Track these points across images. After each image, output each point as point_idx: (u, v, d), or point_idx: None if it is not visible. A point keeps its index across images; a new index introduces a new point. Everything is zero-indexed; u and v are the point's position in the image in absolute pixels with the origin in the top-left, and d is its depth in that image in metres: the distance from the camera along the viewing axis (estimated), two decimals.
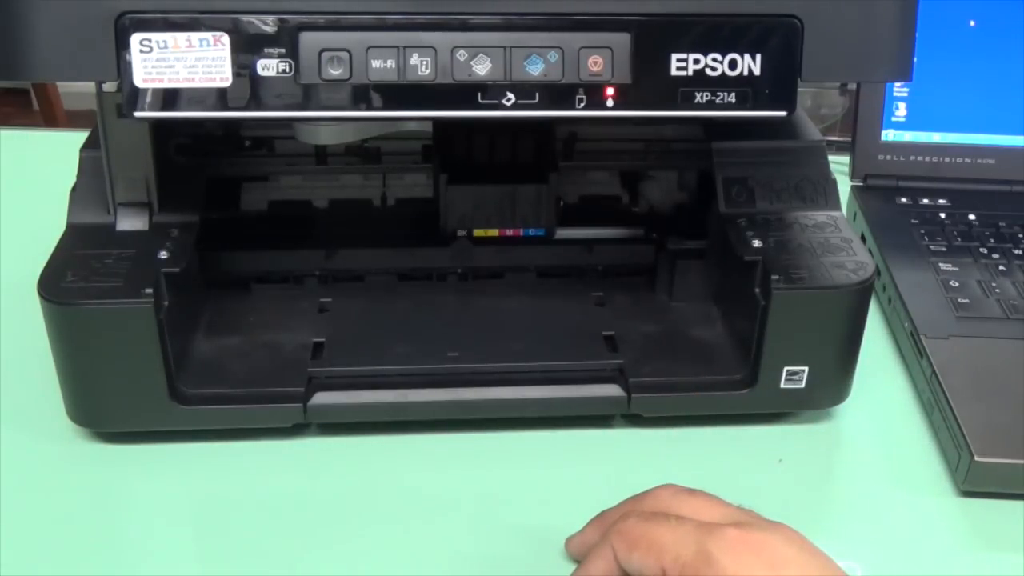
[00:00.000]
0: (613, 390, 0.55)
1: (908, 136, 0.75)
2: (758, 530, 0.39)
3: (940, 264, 0.66)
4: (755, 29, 0.47)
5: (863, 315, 0.55)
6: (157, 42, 0.44)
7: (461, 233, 0.62)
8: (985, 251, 0.67)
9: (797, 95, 0.48)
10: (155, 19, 0.44)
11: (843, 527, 0.51)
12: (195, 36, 0.45)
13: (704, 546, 0.38)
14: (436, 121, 0.57)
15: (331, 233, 0.63)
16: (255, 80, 0.45)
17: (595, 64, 0.47)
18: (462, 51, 0.45)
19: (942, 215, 0.71)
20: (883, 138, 0.75)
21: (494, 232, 0.62)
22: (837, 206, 0.58)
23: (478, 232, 0.62)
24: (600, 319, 0.60)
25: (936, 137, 0.75)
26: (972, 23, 0.73)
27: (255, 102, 0.46)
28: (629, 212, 0.65)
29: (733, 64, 0.47)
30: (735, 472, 0.54)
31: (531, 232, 0.62)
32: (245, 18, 0.45)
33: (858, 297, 0.54)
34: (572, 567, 0.45)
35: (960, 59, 0.73)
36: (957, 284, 0.64)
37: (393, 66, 0.45)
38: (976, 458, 0.51)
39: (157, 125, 0.54)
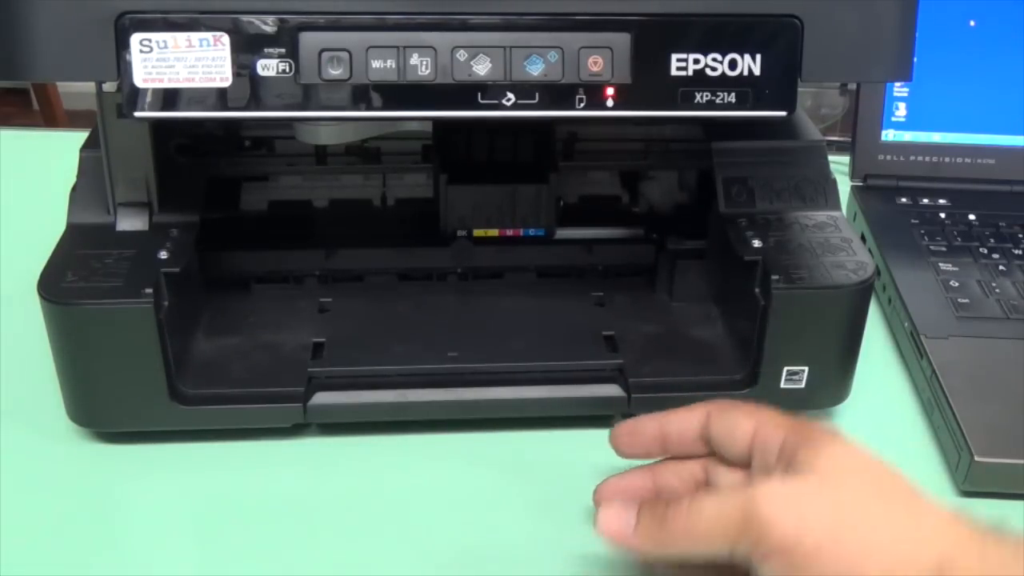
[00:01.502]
0: (613, 390, 0.55)
1: (908, 136, 0.75)
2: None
3: (940, 264, 0.66)
4: (755, 29, 0.47)
5: (863, 315, 0.55)
6: (157, 42, 0.44)
7: (461, 233, 0.62)
8: (985, 251, 0.67)
9: (797, 95, 0.48)
10: (155, 19, 0.44)
11: None
12: (195, 36, 0.45)
13: (796, 449, 0.39)
14: (436, 121, 0.57)
15: (331, 233, 0.63)
16: (255, 80, 0.45)
17: (595, 64, 0.47)
18: (462, 51, 0.45)
19: (942, 215, 0.71)
20: (883, 138, 0.75)
21: (494, 232, 0.62)
22: (837, 206, 0.58)
23: (478, 232, 0.62)
24: (600, 319, 0.60)
25: (936, 137, 0.75)
26: (972, 23, 0.73)
27: (255, 102, 0.46)
28: (629, 212, 0.65)
29: (733, 64, 0.47)
30: None
31: (531, 232, 0.62)
32: (245, 18, 0.45)
33: (858, 297, 0.54)
34: (573, 567, 0.45)
35: (960, 59, 0.73)
36: (957, 284, 0.64)
37: (393, 66, 0.45)
38: (976, 458, 0.51)
39: (157, 125, 0.54)
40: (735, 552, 0.37)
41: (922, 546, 0.36)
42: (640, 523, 0.41)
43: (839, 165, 0.65)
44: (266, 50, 0.45)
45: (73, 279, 0.50)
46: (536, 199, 0.61)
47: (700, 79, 0.47)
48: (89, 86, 0.48)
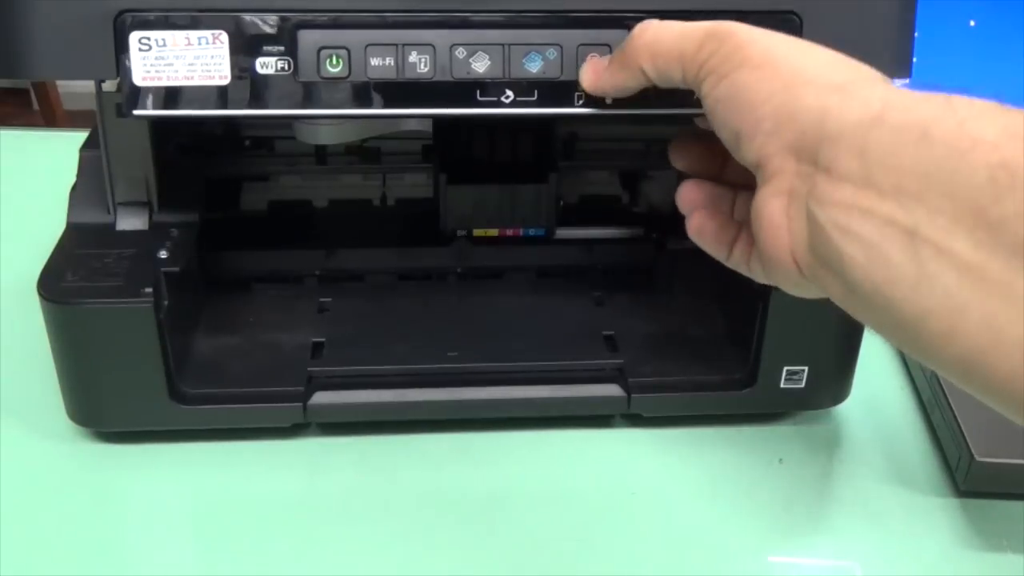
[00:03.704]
0: (613, 390, 0.55)
1: None
2: None
3: None
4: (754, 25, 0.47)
5: None
6: (156, 40, 0.44)
7: (461, 233, 0.62)
8: None
9: None
10: (154, 17, 0.44)
11: (843, 527, 0.51)
12: (194, 34, 0.45)
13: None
14: (435, 119, 0.57)
15: (331, 233, 0.63)
16: (254, 78, 0.45)
17: None
18: (461, 48, 0.45)
19: None
20: None
21: (494, 232, 0.62)
22: None
23: (478, 232, 0.62)
24: (600, 319, 0.60)
25: None
26: (972, 23, 0.73)
27: (254, 100, 0.46)
28: (629, 212, 0.65)
29: None
30: (735, 472, 0.54)
31: (531, 232, 0.62)
32: (244, 16, 0.45)
33: None
34: (572, 567, 0.45)
35: (960, 59, 0.73)
36: None
37: (392, 64, 0.45)
38: (976, 458, 0.51)
39: (157, 124, 0.54)
40: (688, 69, 0.39)
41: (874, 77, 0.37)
42: (612, 55, 0.44)
43: None
44: (265, 48, 0.45)
45: (73, 279, 0.50)
46: (536, 199, 0.61)
47: None
48: (89, 86, 0.48)
